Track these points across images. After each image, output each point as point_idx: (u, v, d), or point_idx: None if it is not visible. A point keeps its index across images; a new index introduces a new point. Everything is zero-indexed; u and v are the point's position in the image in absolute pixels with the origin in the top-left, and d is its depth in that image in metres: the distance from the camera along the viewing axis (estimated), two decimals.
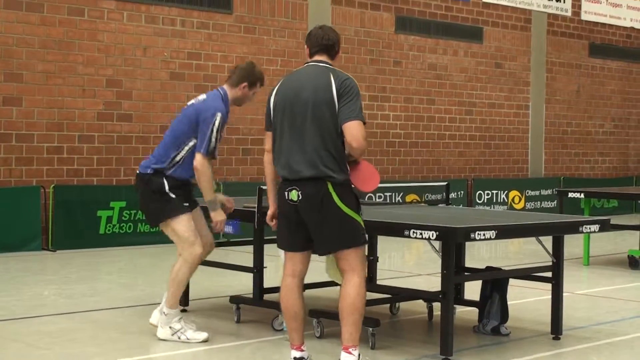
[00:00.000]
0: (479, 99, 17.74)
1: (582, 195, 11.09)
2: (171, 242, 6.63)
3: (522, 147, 18.68)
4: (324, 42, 5.57)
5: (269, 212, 5.76)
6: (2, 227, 11.56)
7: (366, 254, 6.90)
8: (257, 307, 7.21)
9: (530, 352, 6.36)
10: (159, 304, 6.66)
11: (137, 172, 6.64)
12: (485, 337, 6.77)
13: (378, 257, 7.75)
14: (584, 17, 19.74)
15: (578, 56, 19.71)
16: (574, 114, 19.71)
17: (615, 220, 8.16)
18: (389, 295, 7.33)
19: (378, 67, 16.08)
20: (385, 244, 9.65)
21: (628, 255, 11.16)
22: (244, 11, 14.25)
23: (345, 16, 15.57)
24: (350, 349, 5.40)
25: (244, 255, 8.50)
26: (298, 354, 5.58)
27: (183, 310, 7.28)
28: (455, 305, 6.43)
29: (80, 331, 6.85)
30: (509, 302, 6.89)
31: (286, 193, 5.46)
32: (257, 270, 7.13)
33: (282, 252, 5.74)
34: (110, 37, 12.82)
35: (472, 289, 7.30)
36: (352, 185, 5.48)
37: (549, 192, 18.23)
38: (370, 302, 6.55)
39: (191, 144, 6.45)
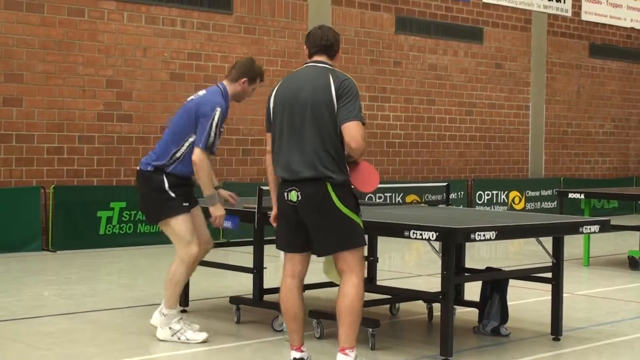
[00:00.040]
0: (479, 100, 17.74)
1: (582, 196, 11.08)
2: (171, 242, 6.63)
3: (522, 148, 18.68)
4: (323, 43, 5.56)
5: (273, 213, 5.73)
6: (2, 227, 11.56)
7: (366, 254, 6.91)
8: (257, 307, 7.22)
9: (530, 353, 6.36)
10: (159, 304, 6.65)
11: (138, 168, 6.63)
12: (485, 338, 6.76)
13: (378, 258, 7.75)
14: (584, 17, 19.73)
15: (578, 56, 19.71)
16: (574, 114, 19.70)
17: (615, 220, 8.17)
18: (389, 296, 7.34)
19: (378, 68, 16.08)
20: (385, 245, 9.65)
21: (628, 256, 11.15)
22: (244, 12, 14.25)
23: (346, 16, 15.57)
24: (346, 351, 5.38)
25: (243, 255, 8.50)
26: (298, 355, 5.57)
27: (183, 311, 7.29)
28: (455, 306, 6.42)
29: (80, 332, 6.85)
30: (509, 303, 6.89)
31: (285, 194, 5.44)
32: (257, 270, 7.13)
33: (281, 253, 5.73)
34: (110, 37, 12.82)
35: (472, 290, 7.30)
36: (352, 186, 5.47)
37: (549, 192, 18.21)
38: (370, 303, 6.56)
39: (191, 139, 6.42)
